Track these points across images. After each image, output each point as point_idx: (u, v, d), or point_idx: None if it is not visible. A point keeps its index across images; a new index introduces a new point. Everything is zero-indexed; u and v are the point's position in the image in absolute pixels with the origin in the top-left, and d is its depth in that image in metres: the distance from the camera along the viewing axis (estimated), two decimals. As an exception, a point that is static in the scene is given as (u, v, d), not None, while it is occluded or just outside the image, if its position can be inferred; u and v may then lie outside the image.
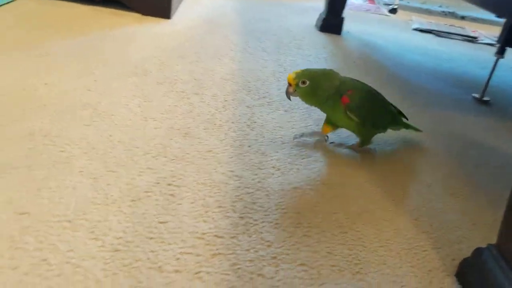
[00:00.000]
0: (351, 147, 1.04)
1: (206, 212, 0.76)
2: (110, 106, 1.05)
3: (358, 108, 0.95)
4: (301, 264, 0.68)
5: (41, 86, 1.09)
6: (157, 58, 1.38)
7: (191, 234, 0.71)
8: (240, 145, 0.98)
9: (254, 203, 0.80)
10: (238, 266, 0.66)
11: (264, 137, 1.03)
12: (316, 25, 2.06)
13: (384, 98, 1.03)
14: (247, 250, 0.69)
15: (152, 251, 0.67)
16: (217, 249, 0.69)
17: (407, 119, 1.10)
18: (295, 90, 0.96)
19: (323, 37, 1.92)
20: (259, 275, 0.65)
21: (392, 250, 0.75)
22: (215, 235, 0.72)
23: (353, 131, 1.01)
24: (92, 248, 0.66)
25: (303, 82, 0.95)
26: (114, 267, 0.63)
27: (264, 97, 1.23)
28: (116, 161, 0.86)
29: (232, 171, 0.88)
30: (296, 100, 1.04)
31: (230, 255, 0.68)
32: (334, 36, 1.96)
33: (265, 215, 0.78)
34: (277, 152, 0.98)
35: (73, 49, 1.34)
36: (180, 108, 1.10)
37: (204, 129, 1.02)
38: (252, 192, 0.83)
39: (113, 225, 0.71)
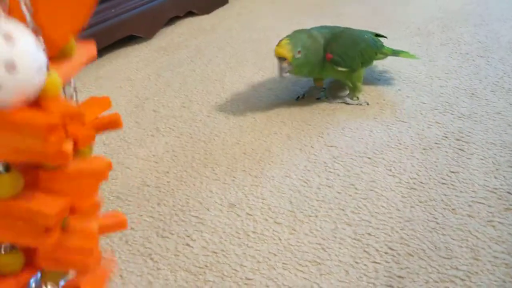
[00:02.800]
0: (344, 101, 0.99)
1: (497, 169, 0.78)
2: (398, 62, 1.13)
3: (342, 58, 0.93)
4: None
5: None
6: (440, 20, 1.39)
7: (482, 187, 0.74)
8: (532, 110, 0.94)
9: (550, 168, 0.78)
10: (535, 224, 0.67)
11: (562, 105, 0.96)
12: None
13: (358, 32, 1.00)
14: (544, 211, 0.69)
15: (445, 195, 0.73)
16: (510, 204, 0.70)
17: (385, 37, 1.06)
18: (291, 63, 0.87)
19: None
20: (557, 236, 0.65)
21: None
22: (508, 192, 0.73)
23: (345, 80, 0.98)
24: (391, 182, 0.76)
25: (299, 52, 0.87)
26: (411, 201, 0.72)
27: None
28: (406, 113, 0.94)
29: (524, 135, 0.86)
30: None
31: (525, 212, 0.69)
32: None
33: None
34: None
35: (362, 11, 1.46)
36: (465, 70, 1.10)
37: (492, 91, 1.01)
38: (547, 158, 0.80)
39: (407, 166, 0.79)
